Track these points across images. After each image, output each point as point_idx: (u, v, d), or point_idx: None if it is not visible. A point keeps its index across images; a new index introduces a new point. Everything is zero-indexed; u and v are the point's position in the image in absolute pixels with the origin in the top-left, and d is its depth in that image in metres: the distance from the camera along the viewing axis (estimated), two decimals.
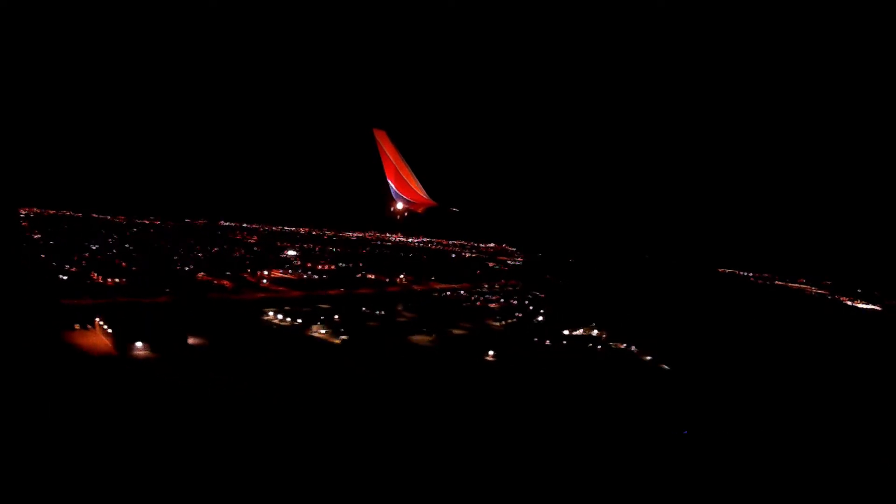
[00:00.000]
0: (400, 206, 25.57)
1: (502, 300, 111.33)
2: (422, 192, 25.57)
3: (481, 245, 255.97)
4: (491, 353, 67.79)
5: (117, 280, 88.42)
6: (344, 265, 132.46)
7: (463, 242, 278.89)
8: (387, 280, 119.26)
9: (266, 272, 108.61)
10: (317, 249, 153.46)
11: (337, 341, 70.44)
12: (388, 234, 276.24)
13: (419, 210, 25.55)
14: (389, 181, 25.60)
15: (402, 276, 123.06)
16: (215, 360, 56.38)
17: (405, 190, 25.52)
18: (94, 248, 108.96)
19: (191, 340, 62.06)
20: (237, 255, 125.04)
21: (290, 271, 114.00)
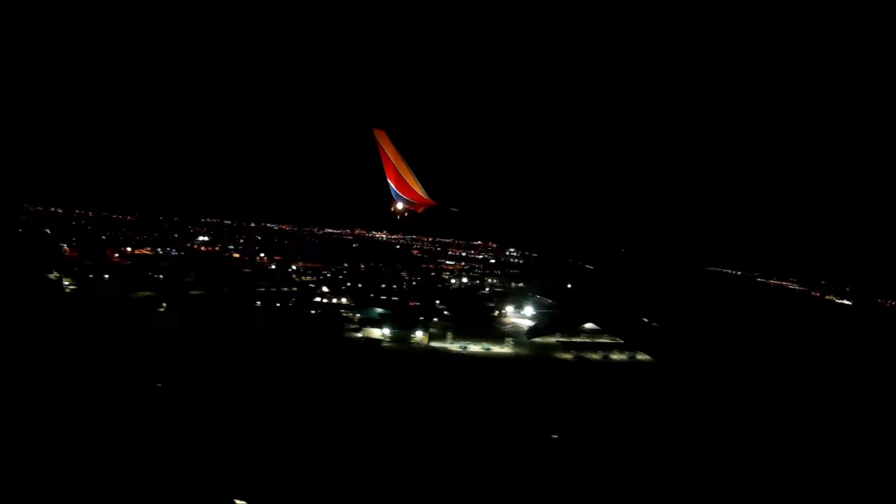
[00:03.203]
0: (400, 206, 25.71)
1: (328, 276, 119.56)
2: (422, 192, 25.51)
3: (462, 242, 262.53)
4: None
5: None
6: (232, 247, 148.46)
7: (446, 240, 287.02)
8: (245, 259, 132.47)
9: (129, 249, 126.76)
10: (236, 237, 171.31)
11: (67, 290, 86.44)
12: (374, 232, 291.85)
13: (419, 210, 25.61)
14: (389, 181, 25.55)
15: (263, 255, 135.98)
16: None
17: (405, 190, 25.49)
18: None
19: None
20: (138, 238, 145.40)
21: (157, 250, 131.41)
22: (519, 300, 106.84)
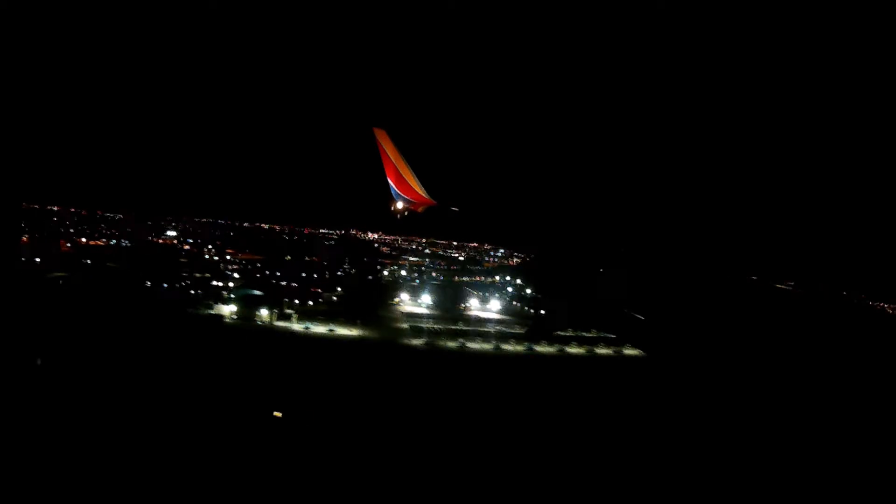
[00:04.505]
0: (400, 205, 25.84)
1: (259, 265, 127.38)
2: (422, 191, 25.62)
3: (455, 242, 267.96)
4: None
5: None
6: (190, 241, 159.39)
7: (441, 241, 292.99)
8: (194, 251, 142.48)
9: (83, 240, 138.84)
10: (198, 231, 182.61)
11: None
12: (368, 233, 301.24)
13: (419, 209, 25.97)
14: (389, 180, 25.43)
15: (211, 248, 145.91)
16: None
17: (405, 189, 25.49)
18: None
19: None
20: (102, 229, 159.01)
21: (111, 242, 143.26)
22: (420, 292, 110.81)
